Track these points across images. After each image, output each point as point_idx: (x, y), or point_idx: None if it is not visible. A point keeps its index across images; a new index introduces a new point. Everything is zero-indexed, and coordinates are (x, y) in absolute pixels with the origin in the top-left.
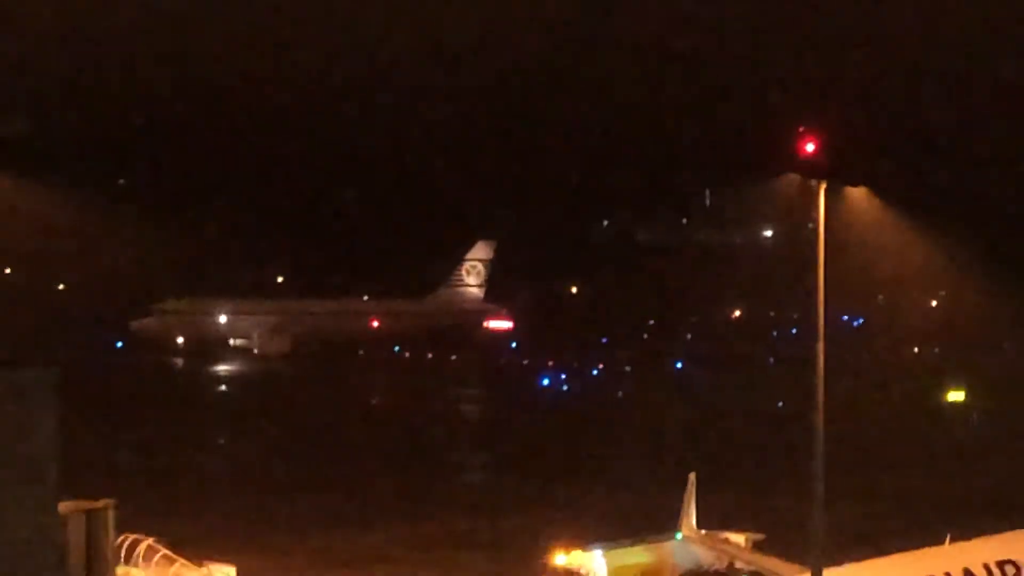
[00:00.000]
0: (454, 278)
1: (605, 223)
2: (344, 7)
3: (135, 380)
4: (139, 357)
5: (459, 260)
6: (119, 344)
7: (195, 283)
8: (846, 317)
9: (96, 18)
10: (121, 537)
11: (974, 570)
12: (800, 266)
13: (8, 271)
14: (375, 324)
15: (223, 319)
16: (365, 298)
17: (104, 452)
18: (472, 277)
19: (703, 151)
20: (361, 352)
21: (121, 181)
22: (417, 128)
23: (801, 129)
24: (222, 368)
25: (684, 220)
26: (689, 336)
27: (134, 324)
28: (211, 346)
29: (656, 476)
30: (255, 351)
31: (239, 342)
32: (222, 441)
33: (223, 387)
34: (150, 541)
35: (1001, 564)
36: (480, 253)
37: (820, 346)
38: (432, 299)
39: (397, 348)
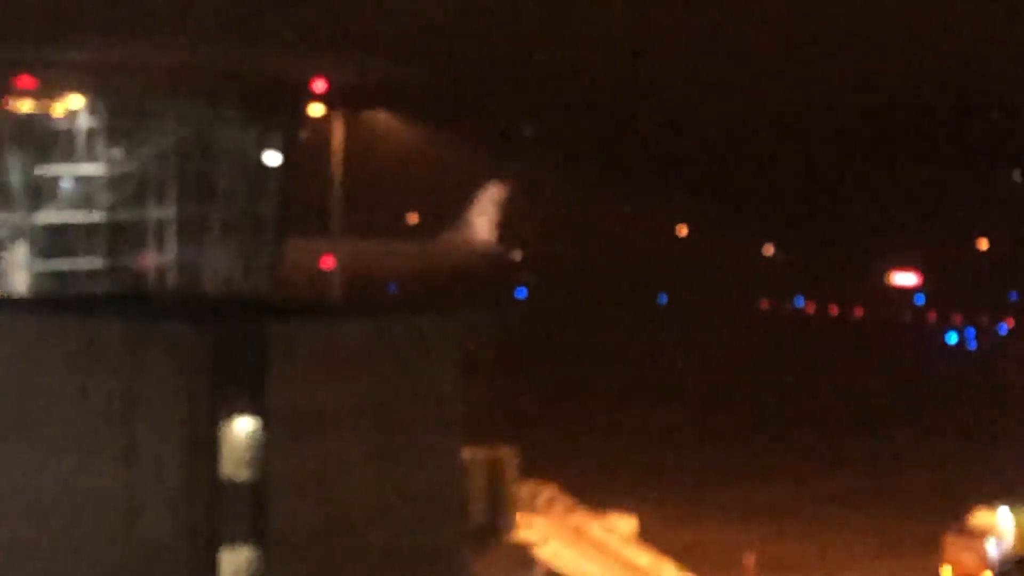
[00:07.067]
0: (463, 220)
1: (1015, 174)
2: None
3: None
4: None
5: (471, 201)
6: None
7: None
8: None
9: None
10: (523, 484)
11: None
12: None
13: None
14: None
15: None
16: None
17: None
18: (482, 219)
19: None
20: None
21: None
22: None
23: None
24: None
25: None
26: None
27: None
28: None
29: None
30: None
31: None
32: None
33: None
34: (552, 489)
35: None
36: (491, 195)
37: None
38: (438, 241)
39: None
